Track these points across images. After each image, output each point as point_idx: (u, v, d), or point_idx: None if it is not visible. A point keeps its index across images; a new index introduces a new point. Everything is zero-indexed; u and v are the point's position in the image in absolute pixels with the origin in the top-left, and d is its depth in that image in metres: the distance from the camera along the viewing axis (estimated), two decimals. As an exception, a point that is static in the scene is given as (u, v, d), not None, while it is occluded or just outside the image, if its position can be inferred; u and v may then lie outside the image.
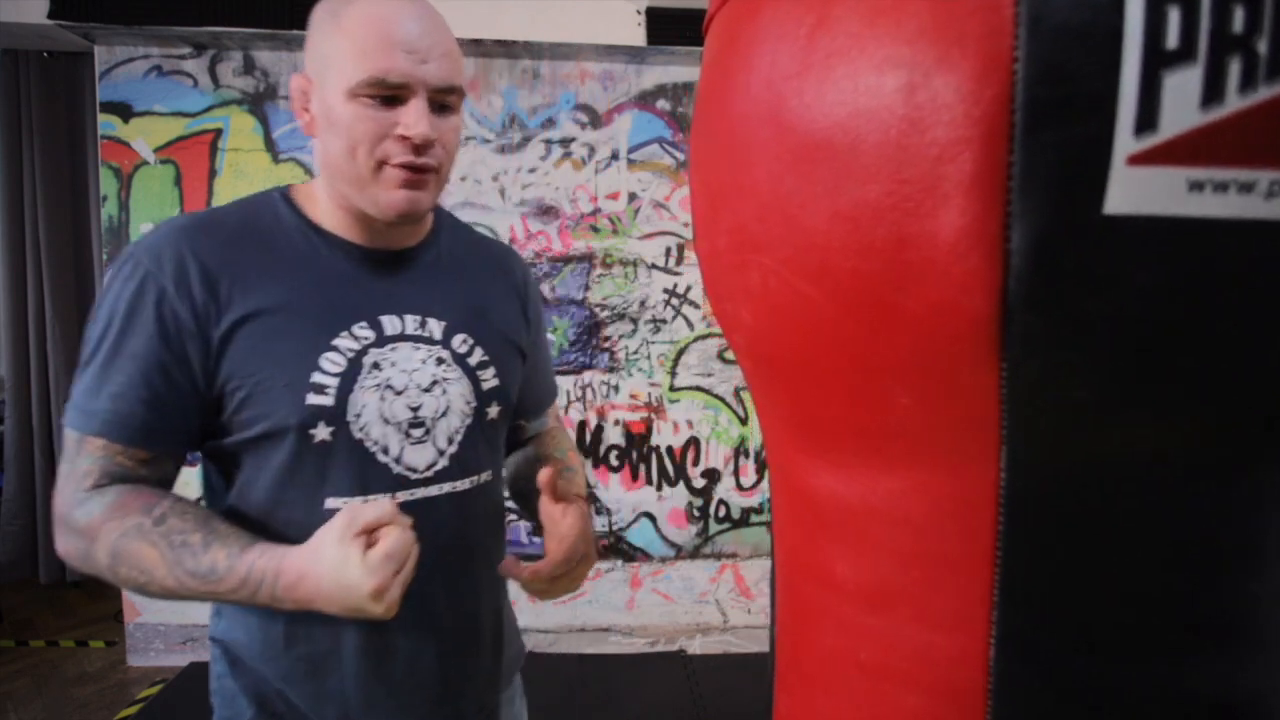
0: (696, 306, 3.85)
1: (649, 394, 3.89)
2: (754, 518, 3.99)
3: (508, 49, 3.57)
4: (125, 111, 3.59)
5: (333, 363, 0.97)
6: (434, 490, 1.02)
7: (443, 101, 0.97)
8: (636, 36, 3.61)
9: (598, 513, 3.92)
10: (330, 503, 0.96)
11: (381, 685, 1.03)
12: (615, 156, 3.87)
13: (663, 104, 3.89)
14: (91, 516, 0.91)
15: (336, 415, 0.96)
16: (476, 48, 3.58)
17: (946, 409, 0.52)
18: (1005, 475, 0.51)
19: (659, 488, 3.98)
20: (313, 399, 0.95)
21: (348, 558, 0.85)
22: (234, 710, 1.04)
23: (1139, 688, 0.53)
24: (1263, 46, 0.39)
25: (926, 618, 0.57)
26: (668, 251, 3.91)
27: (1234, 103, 0.40)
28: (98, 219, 4.09)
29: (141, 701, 3.23)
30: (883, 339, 0.52)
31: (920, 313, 0.49)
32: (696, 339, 3.90)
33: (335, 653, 1.01)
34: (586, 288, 3.87)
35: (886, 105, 0.47)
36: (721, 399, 3.93)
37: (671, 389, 3.92)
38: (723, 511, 4.02)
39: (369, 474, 0.98)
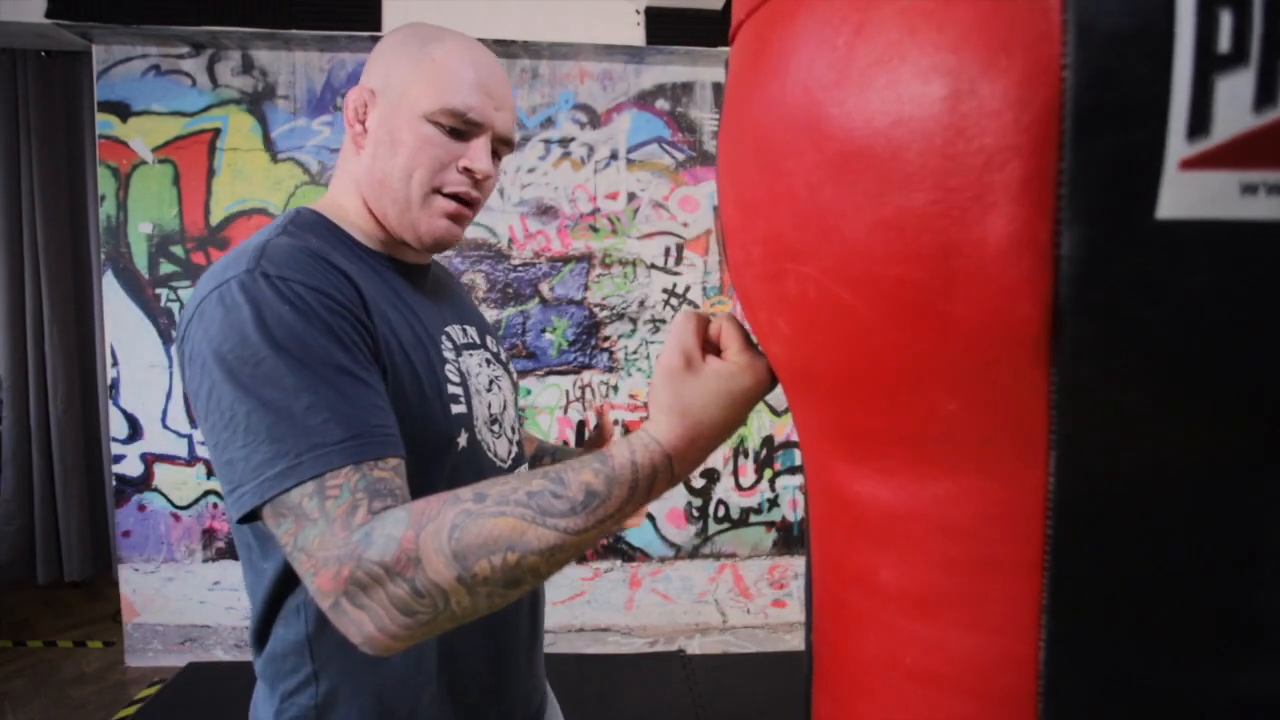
0: (696, 306, 3.86)
1: (648, 394, 3.88)
2: (753, 518, 4.00)
3: (507, 49, 3.58)
4: (123, 111, 3.60)
5: (452, 372, 1.02)
6: None
7: (497, 149, 1.05)
8: (635, 36, 3.62)
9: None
10: None
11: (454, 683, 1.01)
12: (614, 156, 3.88)
13: (662, 104, 3.89)
14: (398, 541, 0.73)
15: (469, 422, 1.01)
16: (476, 47, 3.57)
17: (994, 415, 0.52)
18: (1054, 480, 0.51)
19: (658, 487, 3.96)
20: (455, 409, 0.99)
21: (710, 364, 0.77)
22: None
23: (1189, 688, 0.53)
24: (1317, 48, 0.39)
25: (974, 623, 0.57)
26: (667, 251, 3.92)
27: (1288, 105, 0.40)
28: (96, 219, 4.09)
29: (140, 702, 3.24)
30: (928, 346, 0.52)
31: (968, 319, 0.49)
32: (696, 339, 3.89)
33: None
34: (586, 288, 3.87)
35: (931, 113, 0.47)
36: (720, 399, 3.92)
37: (671, 389, 3.90)
38: (722, 511, 4.03)
39: (486, 470, 1.03)
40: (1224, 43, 0.40)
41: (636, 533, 3.89)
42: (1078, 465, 0.50)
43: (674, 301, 3.83)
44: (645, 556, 3.92)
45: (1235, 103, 0.40)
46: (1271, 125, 0.40)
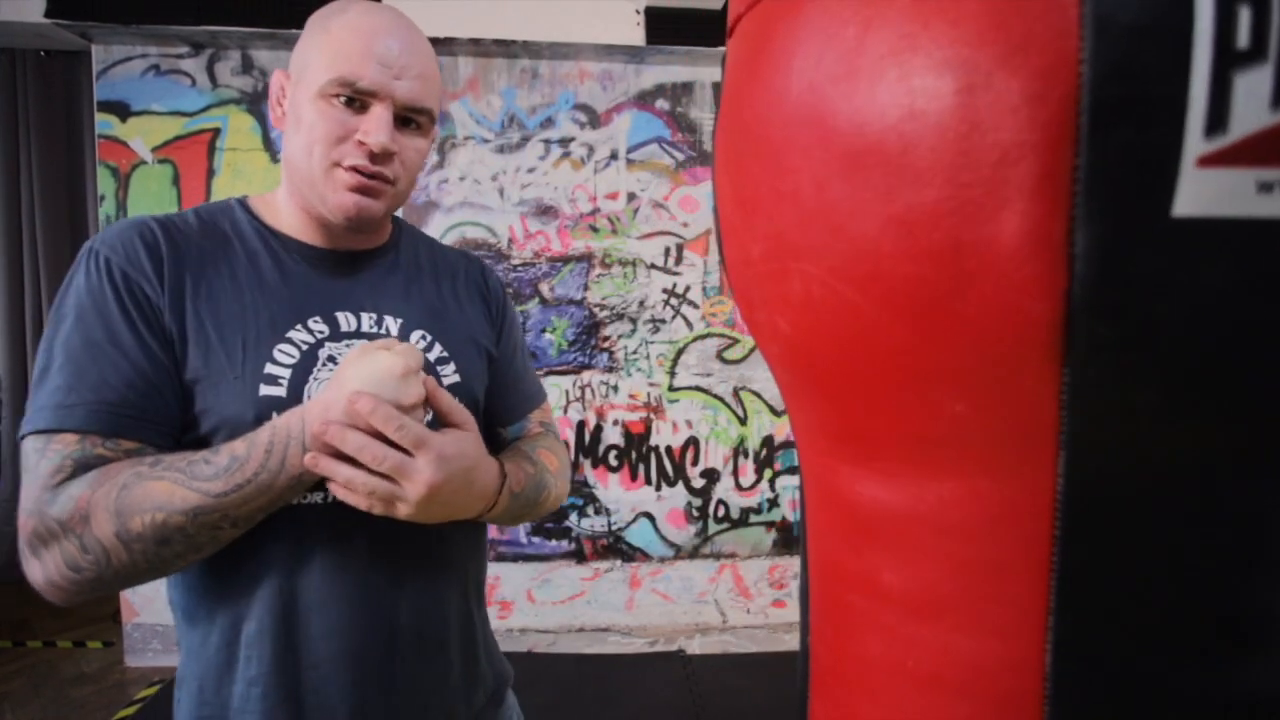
0: (695, 306, 3.86)
1: (648, 394, 3.89)
2: (753, 518, 4.00)
3: (507, 49, 3.57)
4: (123, 111, 3.58)
5: (286, 354, 0.96)
6: None
7: (408, 118, 1.00)
8: (635, 36, 3.62)
9: (596, 513, 3.91)
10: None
11: (341, 672, 0.97)
12: (614, 156, 3.87)
13: (661, 104, 3.88)
14: (75, 500, 0.82)
15: (289, 406, 0.93)
16: (476, 47, 3.58)
17: (1003, 416, 0.51)
18: (1063, 481, 0.50)
19: (658, 488, 3.98)
20: (266, 390, 0.94)
21: (369, 352, 0.88)
22: None
23: (1195, 689, 0.53)
24: (1336, 46, 0.39)
25: (979, 625, 0.57)
26: (666, 251, 3.92)
27: (1306, 103, 0.39)
28: (95, 219, 4.08)
29: (139, 702, 3.23)
30: (937, 345, 0.51)
31: (978, 318, 0.48)
32: (695, 339, 3.90)
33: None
34: (585, 288, 3.87)
35: (945, 107, 0.46)
36: (720, 399, 3.93)
37: (670, 389, 3.92)
38: (721, 511, 4.03)
39: None
40: (1243, 39, 0.39)
41: (637, 532, 3.89)
42: (1087, 466, 0.50)
43: (673, 301, 3.83)
44: (645, 556, 3.92)
45: (1253, 100, 0.40)
46: (1288, 123, 0.40)
